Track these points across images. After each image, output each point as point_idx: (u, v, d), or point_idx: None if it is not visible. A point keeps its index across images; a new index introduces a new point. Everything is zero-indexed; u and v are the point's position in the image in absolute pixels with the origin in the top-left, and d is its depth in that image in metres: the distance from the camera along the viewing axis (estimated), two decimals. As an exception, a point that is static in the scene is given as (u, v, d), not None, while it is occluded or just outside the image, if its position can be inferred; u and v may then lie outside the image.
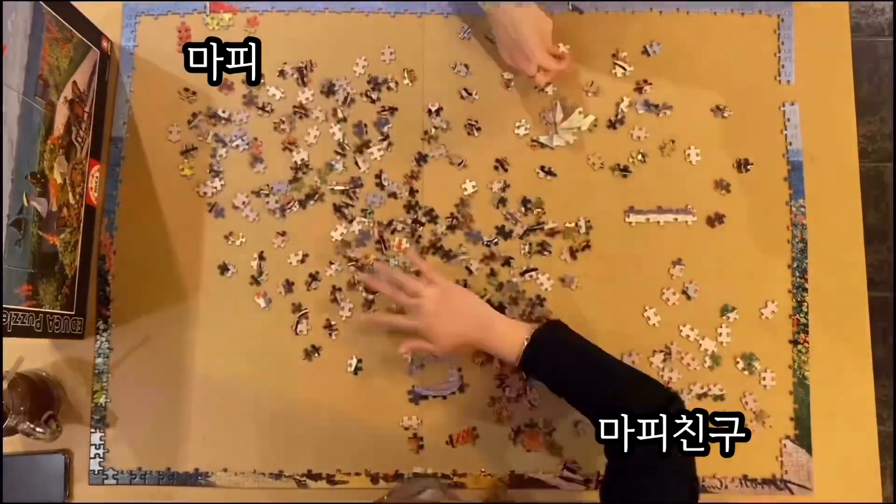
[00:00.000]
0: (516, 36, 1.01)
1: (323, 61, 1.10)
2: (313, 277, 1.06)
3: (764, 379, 1.03)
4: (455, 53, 1.10)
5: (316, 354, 1.05)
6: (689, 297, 1.04)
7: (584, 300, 1.05)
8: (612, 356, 0.92)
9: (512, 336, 0.93)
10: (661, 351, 1.03)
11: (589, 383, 0.90)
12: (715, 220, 1.05)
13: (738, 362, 1.03)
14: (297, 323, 1.05)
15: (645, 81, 1.08)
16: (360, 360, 1.04)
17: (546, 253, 1.05)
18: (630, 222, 1.06)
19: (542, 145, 1.08)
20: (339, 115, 1.09)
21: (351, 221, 1.06)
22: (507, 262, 1.06)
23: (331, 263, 1.06)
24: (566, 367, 0.91)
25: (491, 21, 1.04)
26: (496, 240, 1.06)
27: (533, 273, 1.05)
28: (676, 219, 1.06)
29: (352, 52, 1.10)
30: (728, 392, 1.03)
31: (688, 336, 1.04)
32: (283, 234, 1.07)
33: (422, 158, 1.08)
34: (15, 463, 1.03)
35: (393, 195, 1.07)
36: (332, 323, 1.05)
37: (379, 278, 1.01)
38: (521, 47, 1.02)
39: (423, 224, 1.06)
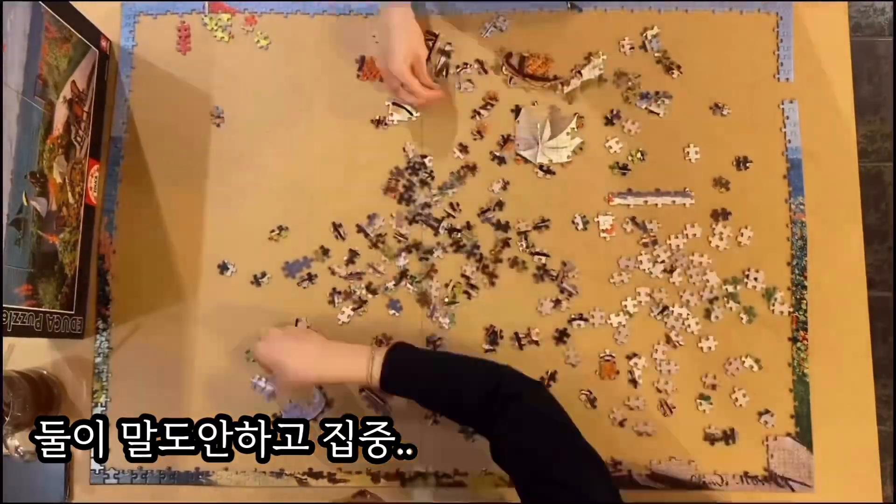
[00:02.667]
0: (386, 45, 1.00)
1: (322, 64, 1.10)
2: (310, 277, 1.06)
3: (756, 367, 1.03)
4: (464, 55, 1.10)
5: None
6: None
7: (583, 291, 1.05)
8: (452, 356, 0.94)
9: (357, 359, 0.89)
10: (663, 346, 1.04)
11: (434, 391, 0.89)
12: (720, 215, 1.06)
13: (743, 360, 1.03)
14: (297, 322, 1.05)
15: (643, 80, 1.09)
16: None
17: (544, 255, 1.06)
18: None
19: (526, 161, 1.08)
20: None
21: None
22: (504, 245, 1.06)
23: (329, 267, 1.06)
24: (421, 380, 0.90)
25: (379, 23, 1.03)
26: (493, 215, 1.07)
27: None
28: (675, 201, 1.06)
29: (350, 54, 1.10)
30: (723, 387, 1.03)
31: (690, 333, 1.04)
32: (284, 229, 1.08)
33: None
34: (15, 463, 1.03)
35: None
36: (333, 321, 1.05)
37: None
38: (387, 57, 1.00)
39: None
